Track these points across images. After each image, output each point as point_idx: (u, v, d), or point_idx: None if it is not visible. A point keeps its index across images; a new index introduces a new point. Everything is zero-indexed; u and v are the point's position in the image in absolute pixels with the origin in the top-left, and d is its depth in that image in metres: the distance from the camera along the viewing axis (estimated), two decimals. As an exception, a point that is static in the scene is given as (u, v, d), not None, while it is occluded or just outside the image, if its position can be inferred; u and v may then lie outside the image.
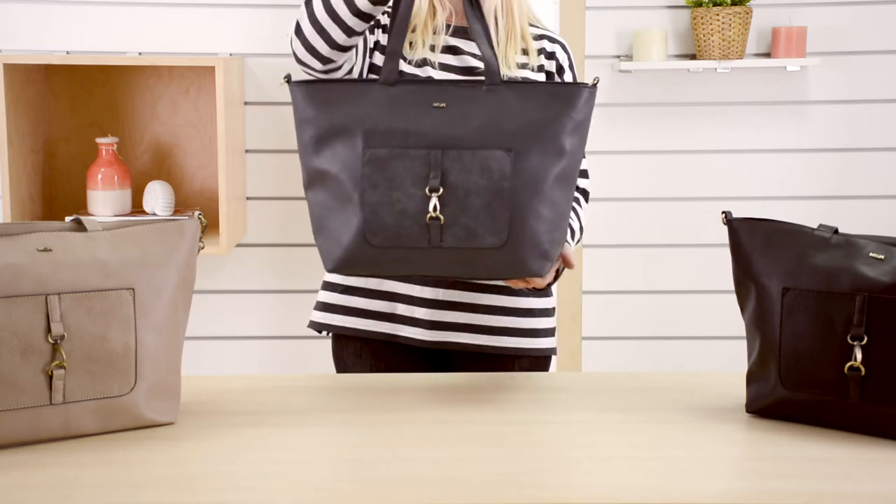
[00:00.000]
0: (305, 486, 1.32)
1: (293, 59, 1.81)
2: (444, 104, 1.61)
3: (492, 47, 1.64)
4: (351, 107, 1.63)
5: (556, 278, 1.82)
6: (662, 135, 3.21)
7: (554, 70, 1.96)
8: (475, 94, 1.61)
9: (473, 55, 1.92)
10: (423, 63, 1.89)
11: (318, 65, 1.78)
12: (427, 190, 1.58)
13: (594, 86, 1.63)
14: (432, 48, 1.91)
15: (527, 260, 1.61)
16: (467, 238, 1.58)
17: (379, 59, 1.90)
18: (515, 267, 1.62)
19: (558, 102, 1.61)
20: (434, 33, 1.92)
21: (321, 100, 1.65)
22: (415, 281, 1.91)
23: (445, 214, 1.58)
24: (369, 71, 1.90)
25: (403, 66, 1.88)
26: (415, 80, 1.67)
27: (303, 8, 1.76)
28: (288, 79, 1.68)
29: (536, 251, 1.61)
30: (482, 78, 1.63)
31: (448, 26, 1.93)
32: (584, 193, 1.99)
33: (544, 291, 1.96)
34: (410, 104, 1.61)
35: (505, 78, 1.90)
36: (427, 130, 1.60)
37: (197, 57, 2.95)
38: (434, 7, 1.93)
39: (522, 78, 1.92)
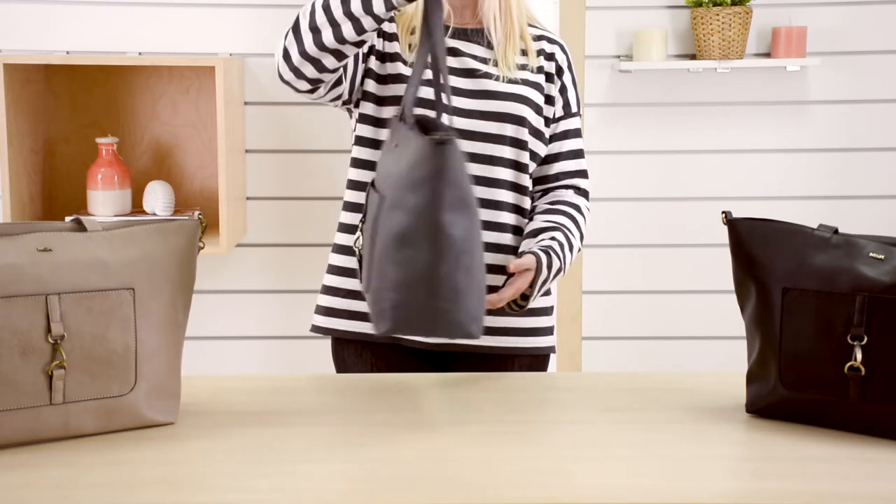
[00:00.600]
0: (306, 486, 1.32)
1: (277, 77, 1.84)
2: (396, 144, 1.65)
3: (438, 89, 1.66)
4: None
5: (525, 297, 1.83)
6: (662, 135, 3.20)
7: (553, 71, 1.96)
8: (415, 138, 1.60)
9: (473, 56, 1.91)
10: None
11: (304, 85, 1.83)
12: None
13: (439, 142, 1.48)
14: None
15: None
16: None
17: (373, 63, 1.90)
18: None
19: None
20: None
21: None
22: None
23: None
24: (365, 76, 1.91)
25: (402, 70, 1.88)
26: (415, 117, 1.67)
27: (290, 36, 1.78)
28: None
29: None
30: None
31: (447, 28, 1.92)
32: (585, 194, 1.98)
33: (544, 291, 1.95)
34: (396, 142, 1.67)
35: (506, 78, 1.91)
36: (377, 169, 1.71)
37: (197, 57, 2.95)
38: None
39: (522, 79, 1.91)
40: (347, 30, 1.72)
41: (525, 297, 1.83)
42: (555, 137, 1.96)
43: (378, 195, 1.60)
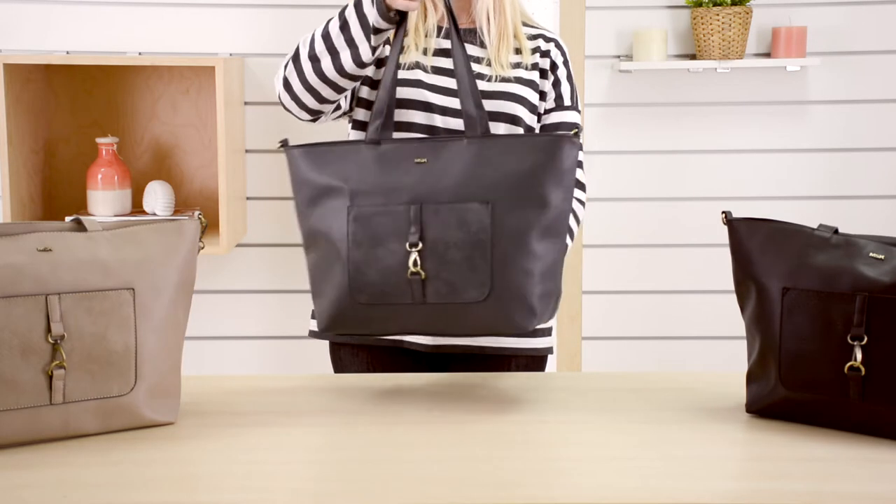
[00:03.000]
0: (305, 486, 1.32)
1: (280, 106, 1.85)
2: (425, 160, 1.62)
3: (476, 102, 1.64)
4: (340, 167, 1.66)
5: None
6: (662, 135, 3.21)
7: (548, 67, 1.94)
8: (457, 148, 1.61)
9: (468, 57, 1.91)
10: (415, 66, 1.88)
11: (306, 115, 1.84)
12: (407, 245, 1.59)
13: (576, 135, 1.60)
14: (425, 52, 1.90)
15: (512, 314, 1.58)
16: (449, 293, 1.58)
17: (366, 92, 1.91)
18: (500, 321, 1.59)
19: (538, 154, 1.58)
20: (426, 36, 1.91)
21: (314, 161, 1.68)
22: None
23: (427, 269, 1.58)
24: (357, 104, 1.91)
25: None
26: (400, 139, 1.68)
27: (290, 65, 1.79)
28: (283, 143, 1.71)
29: (522, 305, 1.58)
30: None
31: (440, 29, 1.92)
32: (579, 185, 1.96)
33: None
34: (395, 161, 1.63)
35: (499, 77, 1.90)
36: (408, 186, 1.61)
37: (197, 57, 2.95)
38: (426, 9, 1.92)
39: (515, 77, 1.90)
40: (346, 58, 1.72)
41: None
42: (545, 129, 1.94)
43: (468, 206, 1.58)
